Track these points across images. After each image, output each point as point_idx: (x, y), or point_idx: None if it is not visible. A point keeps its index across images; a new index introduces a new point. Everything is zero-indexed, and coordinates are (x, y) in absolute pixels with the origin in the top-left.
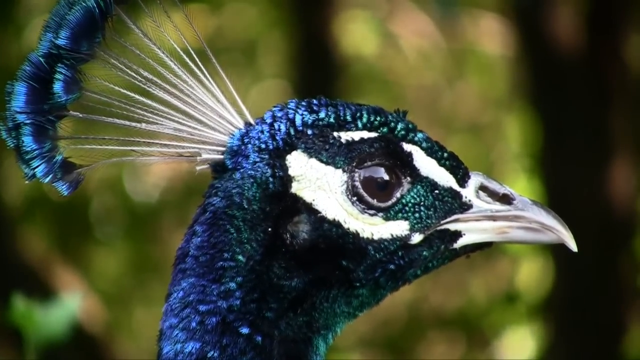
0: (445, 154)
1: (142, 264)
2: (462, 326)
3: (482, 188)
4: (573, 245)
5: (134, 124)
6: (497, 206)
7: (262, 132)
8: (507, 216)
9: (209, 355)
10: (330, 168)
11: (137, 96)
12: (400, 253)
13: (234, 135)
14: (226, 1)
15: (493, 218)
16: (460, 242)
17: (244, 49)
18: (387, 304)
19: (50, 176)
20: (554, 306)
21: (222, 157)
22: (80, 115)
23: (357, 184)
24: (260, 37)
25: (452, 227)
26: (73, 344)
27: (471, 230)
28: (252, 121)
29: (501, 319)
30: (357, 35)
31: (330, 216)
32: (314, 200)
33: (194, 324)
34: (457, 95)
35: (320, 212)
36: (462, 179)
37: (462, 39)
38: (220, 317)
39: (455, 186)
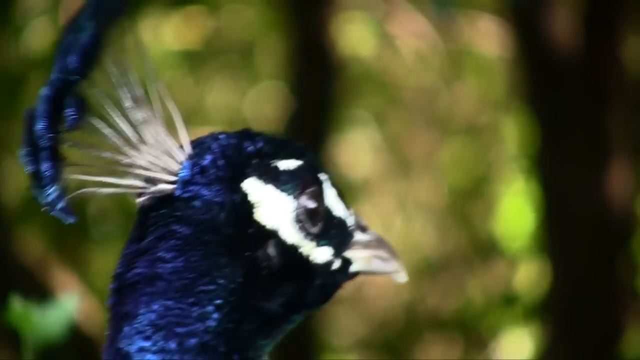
0: (337, 186)
1: None
2: (459, 328)
3: (355, 219)
4: (404, 277)
5: (117, 156)
6: (366, 236)
7: (215, 160)
8: (373, 246)
9: None
10: (283, 194)
11: (104, 128)
12: (331, 279)
13: (184, 166)
14: (223, 3)
15: (367, 247)
16: (352, 269)
17: (241, 51)
18: (384, 306)
19: (61, 203)
20: (552, 308)
21: (171, 187)
22: (71, 143)
23: (301, 210)
24: (258, 39)
25: (348, 254)
26: (70, 345)
27: (356, 259)
28: (190, 151)
29: (499, 321)
30: (354, 36)
31: (289, 241)
32: (274, 225)
33: (170, 345)
34: (454, 96)
35: (281, 237)
36: (347, 209)
37: (459, 40)
38: (198, 338)
39: (346, 216)
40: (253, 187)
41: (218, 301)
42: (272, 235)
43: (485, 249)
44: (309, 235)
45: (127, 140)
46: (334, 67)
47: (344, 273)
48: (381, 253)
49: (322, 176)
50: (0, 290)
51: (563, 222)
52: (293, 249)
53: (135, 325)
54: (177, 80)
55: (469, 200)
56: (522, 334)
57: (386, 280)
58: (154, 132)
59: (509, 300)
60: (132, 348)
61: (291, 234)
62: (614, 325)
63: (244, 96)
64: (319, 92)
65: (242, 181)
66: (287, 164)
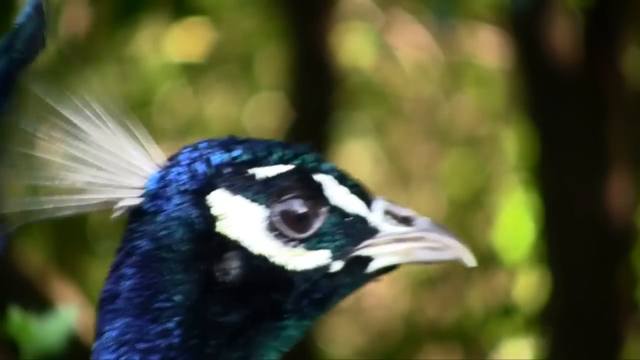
0: (353, 182)
1: None
2: (458, 338)
3: (387, 212)
4: (470, 261)
5: (47, 183)
6: (402, 228)
7: (180, 174)
8: (412, 237)
9: None
10: (252, 204)
11: (44, 155)
12: (324, 282)
13: (150, 179)
14: (224, 14)
15: (399, 240)
16: (373, 266)
17: (240, 61)
18: (383, 316)
19: None
20: (552, 319)
21: (139, 201)
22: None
23: (277, 218)
24: (257, 50)
25: (365, 252)
26: (70, 356)
27: (382, 254)
28: (163, 164)
29: (498, 332)
30: (354, 47)
31: (256, 251)
32: (239, 237)
33: (134, 359)
34: (454, 107)
35: (246, 249)
36: (369, 204)
37: (459, 51)
38: (161, 354)
39: (365, 212)
40: (219, 199)
41: (177, 318)
42: (235, 246)
43: (484, 260)
44: (293, 240)
45: (79, 159)
46: (333, 78)
47: (356, 273)
48: (428, 243)
49: (322, 177)
50: (0, 302)
51: (563, 233)
52: (260, 259)
53: (102, 342)
54: (177, 91)
55: (469, 211)
56: (522, 345)
57: (385, 290)
58: (114, 147)
59: (508, 311)
60: None
61: (260, 244)
62: (614, 336)
63: (244, 107)
64: (318, 103)
65: (207, 193)
66: (267, 171)
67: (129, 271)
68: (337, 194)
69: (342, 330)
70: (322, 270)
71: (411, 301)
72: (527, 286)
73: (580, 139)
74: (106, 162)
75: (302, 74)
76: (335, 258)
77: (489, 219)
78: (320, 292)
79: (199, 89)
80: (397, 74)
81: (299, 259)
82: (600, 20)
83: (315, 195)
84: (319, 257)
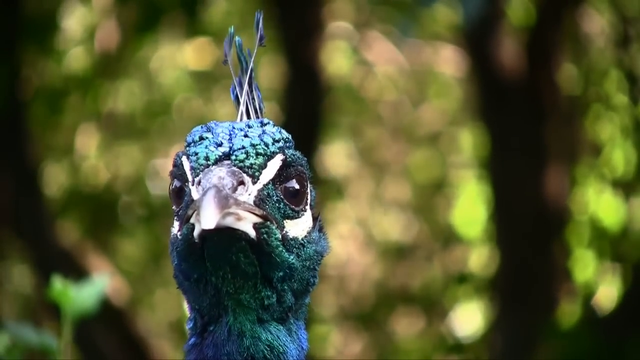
0: (197, 159)
1: (159, 251)
2: (424, 301)
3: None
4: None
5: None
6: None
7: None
8: (194, 207)
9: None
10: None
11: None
12: (178, 246)
13: None
14: (224, 34)
15: (192, 209)
16: (195, 233)
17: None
18: (360, 282)
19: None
20: (499, 285)
21: None
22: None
23: (171, 194)
24: (258, 64)
25: (192, 219)
26: (102, 316)
27: (194, 221)
28: None
29: (456, 296)
30: (336, 61)
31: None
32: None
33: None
34: (419, 111)
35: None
36: (196, 177)
37: (423, 64)
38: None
39: (189, 184)
40: None
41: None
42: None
43: (445, 236)
44: (175, 214)
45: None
46: (323, 88)
47: (187, 239)
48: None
49: (184, 158)
50: (44, 271)
51: (508, 215)
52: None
53: None
54: (191, 99)
55: (432, 196)
56: (475, 307)
57: (362, 259)
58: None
59: (464, 278)
60: None
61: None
62: (550, 299)
63: None
64: (310, 110)
65: None
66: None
67: None
68: (187, 171)
69: (327, 293)
70: (176, 237)
71: (384, 269)
72: (480, 258)
73: (523, 137)
74: None
75: (296, 86)
76: (180, 225)
77: (448, 203)
78: (178, 252)
79: (210, 97)
80: (371, 82)
81: (174, 227)
82: (539, 38)
83: (183, 173)
84: (176, 226)
